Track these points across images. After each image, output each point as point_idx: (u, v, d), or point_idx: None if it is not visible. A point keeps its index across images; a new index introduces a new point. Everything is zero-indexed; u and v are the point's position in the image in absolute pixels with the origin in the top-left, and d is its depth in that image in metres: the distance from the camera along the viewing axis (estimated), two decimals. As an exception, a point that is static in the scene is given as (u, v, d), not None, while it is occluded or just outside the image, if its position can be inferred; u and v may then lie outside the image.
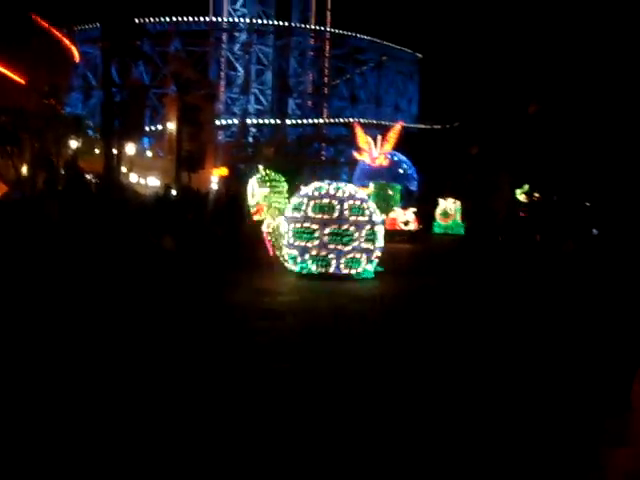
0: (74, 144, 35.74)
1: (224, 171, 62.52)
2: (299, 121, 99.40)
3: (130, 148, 36.23)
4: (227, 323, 11.06)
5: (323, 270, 17.54)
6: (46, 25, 38.28)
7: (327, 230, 17.37)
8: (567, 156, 45.14)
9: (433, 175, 61.03)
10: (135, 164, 41.82)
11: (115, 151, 30.42)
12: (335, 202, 17.65)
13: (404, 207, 42.14)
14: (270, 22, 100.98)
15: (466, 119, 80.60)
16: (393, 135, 42.40)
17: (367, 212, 18.07)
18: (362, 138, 42.79)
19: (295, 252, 17.72)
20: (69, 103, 67.88)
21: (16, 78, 38.13)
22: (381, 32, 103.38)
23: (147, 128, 75.36)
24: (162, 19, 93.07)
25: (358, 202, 18.05)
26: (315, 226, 17.44)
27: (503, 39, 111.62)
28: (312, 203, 17.59)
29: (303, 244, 17.52)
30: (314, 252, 17.48)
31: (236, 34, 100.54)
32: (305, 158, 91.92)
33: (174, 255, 20.90)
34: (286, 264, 18.09)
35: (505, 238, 37.66)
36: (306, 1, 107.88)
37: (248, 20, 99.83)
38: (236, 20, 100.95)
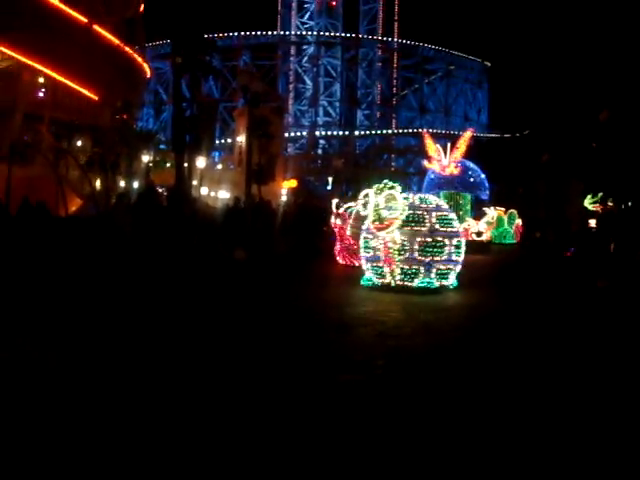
0: (146, 158, 36.29)
1: (293, 183, 62.79)
2: (368, 132, 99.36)
3: (201, 161, 36.54)
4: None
5: (441, 284, 17.23)
6: (118, 42, 39.02)
7: (454, 242, 17.23)
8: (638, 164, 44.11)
9: (504, 184, 60.35)
10: (206, 177, 42.24)
11: (186, 164, 30.67)
12: (451, 214, 17.75)
13: (475, 217, 41.56)
14: (338, 34, 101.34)
15: (536, 127, 79.59)
16: (463, 142, 41.71)
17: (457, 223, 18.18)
18: (431, 146, 42.21)
19: (418, 267, 17.15)
20: (141, 118, 69.30)
21: (90, 95, 38.97)
22: (449, 41, 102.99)
23: (217, 141, 76.34)
24: (231, 34, 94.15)
25: (453, 214, 18.17)
26: (445, 239, 17.18)
27: (573, 45, 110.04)
28: (435, 215, 17.23)
29: (430, 258, 17.11)
30: (441, 266, 17.22)
31: (304, 47, 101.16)
32: (374, 169, 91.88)
33: (245, 266, 20.99)
34: (375, 279, 17.60)
35: (578, 249, 36.91)
36: (373, 12, 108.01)
37: (316, 33, 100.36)
38: (304, 33, 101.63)
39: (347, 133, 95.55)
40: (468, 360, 9.84)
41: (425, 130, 49.56)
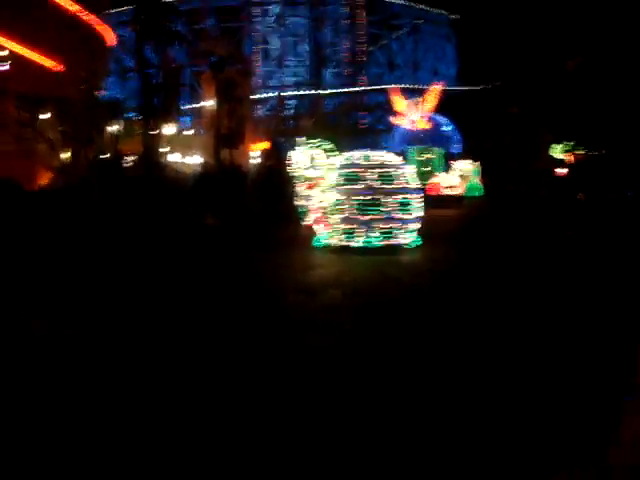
0: (114, 127, 36.04)
1: (266, 145, 62.52)
2: (337, 90, 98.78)
3: (170, 128, 36.37)
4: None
5: (387, 243, 16.99)
6: (79, 8, 38.45)
7: (396, 200, 16.83)
8: (608, 111, 44.38)
9: (474, 137, 60.47)
10: (176, 143, 42.04)
11: (155, 131, 30.53)
12: (392, 171, 17.28)
13: (447, 171, 41.56)
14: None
15: (505, 79, 79.52)
16: (432, 96, 41.61)
17: (412, 180, 17.93)
18: (400, 102, 42.16)
19: (355, 226, 16.88)
20: (107, 87, 68.44)
21: (54, 66, 38.47)
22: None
23: (187, 106, 75.62)
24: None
25: (408, 170, 18.01)
26: (381, 197, 16.86)
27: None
28: (372, 172, 17.02)
29: (369, 217, 16.82)
30: (381, 224, 16.87)
31: (269, 7, 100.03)
32: (344, 127, 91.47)
33: (217, 231, 21.06)
34: (325, 240, 17.52)
35: (547, 197, 37.18)
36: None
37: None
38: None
39: (316, 92, 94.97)
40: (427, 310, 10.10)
41: (393, 86, 49.32)
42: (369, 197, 16.70)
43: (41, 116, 35.48)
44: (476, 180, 45.50)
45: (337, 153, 17.58)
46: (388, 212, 16.73)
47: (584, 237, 20.84)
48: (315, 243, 17.59)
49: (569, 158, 51.97)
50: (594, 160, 48.84)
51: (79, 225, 18.33)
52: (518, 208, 35.30)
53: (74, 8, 38.37)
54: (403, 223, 17.07)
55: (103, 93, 47.63)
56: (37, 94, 38.77)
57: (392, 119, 45.11)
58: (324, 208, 17.07)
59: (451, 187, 38.44)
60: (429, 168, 40.83)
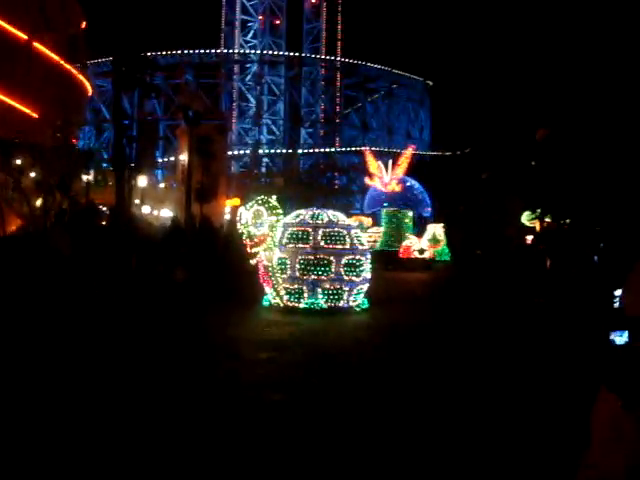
0: (86, 177, 35.97)
1: (237, 201, 62.68)
2: (311, 150, 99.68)
3: (142, 180, 36.40)
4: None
5: (333, 304, 16.35)
6: (58, 59, 38.61)
7: (343, 261, 16.29)
8: (577, 180, 45.05)
9: (446, 201, 61.00)
10: (148, 196, 42.02)
11: (128, 183, 30.49)
12: (343, 231, 16.69)
13: (417, 234, 41.74)
14: (281, 53, 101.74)
15: (477, 145, 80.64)
16: (404, 160, 42.12)
17: (364, 240, 17.64)
18: (373, 164, 42.62)
19: (300, 286, 16.31)
20: (83, 137, 68.50)
21: (30, 113, 38.47)
22: (391, 60, 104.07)
23: (160, 160, 75.91)
24: (174, 52, 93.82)
25: (357, 230, 17.58)
26: (330, 257, 16.30)
27: (511, 66, 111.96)
28: (320, 232, 16.47)
29: (314, 277, 16.22)
30: (327, 285, 16.27)
31: (247, 65, 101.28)
32: (318, 187, 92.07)
33: (184, 287, 20.89)
34: (272, 300, 16.94)
35: (517, 264, 37.39)
36: (316, 31, 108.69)
37: (259, 51, 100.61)
38: (247, 51, 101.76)
39: (290, 151, 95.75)
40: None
41: (367, 148, 49.91)
42: (312, 257, 16.16)
43: (15, 161, 35.35)
44: (445, 244, 45.74)
45: (280, 211, 17.09)
46: (334, 273, 16.22)
47: (552, 304, 20.89)
48: (263, 302, 17.16)
49: (536, 226, 52.48)
50: (561, 228, 49.36)
51: (43, 274, 18.08)
52: (486, 273, 35.45)
53: (54, 57, 38.53)
54: (351, 285, 16.50)
55: (77, 142, 47.67)
56: (10, 139, 38.69)
57: (366, 180, 45.49)
58: (268, 267, 16.66)
59: (421, 250, 38.76)
60: (400, 230, 41.01)
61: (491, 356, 11.62)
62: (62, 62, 38.90)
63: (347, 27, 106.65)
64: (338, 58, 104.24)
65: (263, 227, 16.48)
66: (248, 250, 16.80)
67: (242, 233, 16.73)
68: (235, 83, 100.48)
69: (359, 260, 16.66)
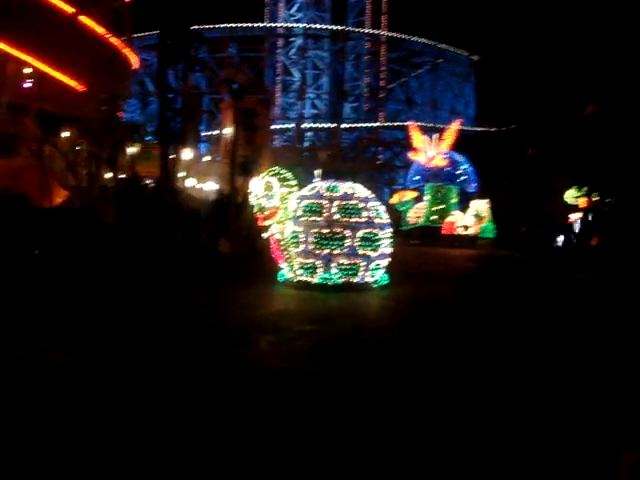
0: (132, 150, 36.20)
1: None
2: (355, 125, 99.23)
3: (187, 153, 36.48)
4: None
5: (348, 280, 15.98)
6: (104, 32, 38.85)
7: (358, 235, 15.81)
8: (626, 157, 44.21)
9: (491, 177, 60.30)
10: (192, 169, 42.15)
11: (172, 156, 30.60)
12: (360, 203, 16.21)
13: (462, 210, 41.24)
14: (325, 26, 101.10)
15: (523, 121, 79.55)
16: (450, 134, 41.35)
17: (383, 214, 16.86)
18: (418, 138, 41.90)
19: (314, 261, 15.93)
20: (128, 109, 68.93)
21: (76, 86, 38.81)
22: (436, 34, 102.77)
23: (204, 133, 76.10)
24: (219, 26, 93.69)
25: (375, 203, 16.77)
26: (344, 231, 15.80)
27: (560, 39, 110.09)
28: (336, 205, 16.01)
29: (327, 251, 15.80)
30: (341, 260, 15.83)
31: (292, 39, 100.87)
32: (361, 162, 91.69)
33: (229, 258, 20.97)
34: (288, 275, 16.58)
35: (563, 243, 36.96)
36: (361, 5, 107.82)
37: (303, 25, 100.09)
38: (291, 25, 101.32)
39: (334, 126, 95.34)
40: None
41: (412, 122, 49.24)
42: (327, 230, 15.70)
43: (62, 134, 35.74)
44: (490, 221, 44.94)
45: (294, 183, 16.51)
46: (349, 247, 15.74)
47: (598, 281, 20.60)
48: (279, 278, 16.81)
49: (583, 203, 51.62)
50: (609, 206, 48.62)
51: (88, 245, 18.29)
52: (530, 250, 35.09)
53: (100, 30, 38.79)
54: (367, 260, 16.01)
55: (122, 115, 48.01)
56: (58, 112, 39.09)
57: (409, 154, 44.89)
58: (280, 240, 16.26)
59: (465, 226, 38.34)
60: (444, 206, 40.57)
61: (530, 335, 11.44)
62: (108, 36, 39.20)
63: (392, 0, 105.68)
64: (383, 32, 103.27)
65: (274, 199, 16.01)
66: (259, 223, 16.47)
67: (254, 206, 16.33)
68: (279, 57, 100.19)
69: (376, 234, 16.18)
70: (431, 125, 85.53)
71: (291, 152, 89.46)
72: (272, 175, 16.11)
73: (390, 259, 16.95)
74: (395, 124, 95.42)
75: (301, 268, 16.07)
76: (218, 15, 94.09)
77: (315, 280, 15.94)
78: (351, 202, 16.12)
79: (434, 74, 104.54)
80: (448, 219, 39.00)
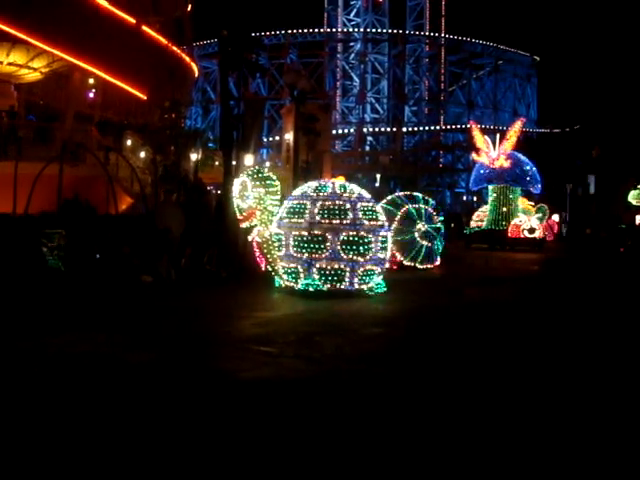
0: (194, 156, 36.53)
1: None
2: (415, 128, 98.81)
3: (248, 159, 36.65)
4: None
5: (334, 286, 15.02)
6: (166, 42, 39.27)
7: (341, 238, 14.78)
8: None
9: (554, 179, 59.47)
10: (254, 175, 42.32)
11: (234, 162, 30.74)
12: (346, 204, 15.09)
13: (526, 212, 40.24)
14: (384, 30, 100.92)
15: (587, 121, 78.39)
16: (513, 133, 40.25)
17: (380, 216, 15.72)
18: (479, 138, 40.88)
19: (296, 266, 15.16)
20: (189, 117, 69.78)
21: (139, 95, 39.31)
22: (497, 36, 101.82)
23: (265, 139, 76.54)
24: (278, 32, 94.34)
25: (369, 204, 15.63)
26: (325, 233, 14.83)
27: (624, 36, 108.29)
28: (318, 205, 15.06)
29: (309, 255, 14.89)
30: (323, 264, 14.88)
31: (351, 44, 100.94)
32: (422, 166, 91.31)
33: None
34: (281, 281, 15.83)
35: (631, 244, 36.20)
36: (420, 8, 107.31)
37: (362, 29, 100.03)
38: (350, 30, 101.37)
39: (395, 129, 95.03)
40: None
41: (473, 122, 48.47)
42: (358, 234, 14.87)
43: (126, 142, 36.27)
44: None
45: (273, 183, 15.53)
46: (330, 251, 14.77)
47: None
48: (276, 283, 16.04)
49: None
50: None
51: (153, 251, 18.39)
52: (597, 255, 34.33)
53: (162, 40, 39.22)
54: (352, 265, 15.01)
55: (185, 123, 48.55)
56: (121, 121, 39.67)
57: (472, 155, 44.14)
58: (260, 243, 15.58)
59: (531, 229, 37.33)
60: (508, 208, 39.75)
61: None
62: (169, 45, 39.61)
63: (451, 3, 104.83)
64: (442, 34, 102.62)
65: (249, 200, 15.33)
66: (240, 225, 15.94)
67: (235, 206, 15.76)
68: (339, 62, 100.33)
69: (363, 237, 15.04)
70: (493, 127, 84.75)
71: (352, 157, 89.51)
72: (248, 175, 15.47)
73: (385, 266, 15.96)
74: (456, 127, 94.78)
75: (285, 273, 15.41)
76: (277, 22, 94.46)
77: (298, 286, 15.17)
78: (336, 202, 15.12)
79: (495, 76, 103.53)
80: (514, 222, 38.14)
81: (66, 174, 24.08)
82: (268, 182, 15.59)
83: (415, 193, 24.50)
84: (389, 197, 23.65)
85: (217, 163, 39.72)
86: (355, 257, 14.93)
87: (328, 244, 14.74)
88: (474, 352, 9.86)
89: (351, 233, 14.88)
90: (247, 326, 11.84)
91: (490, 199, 41.13)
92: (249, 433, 6.03)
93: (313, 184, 15.99)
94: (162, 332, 10.87)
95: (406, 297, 16.26)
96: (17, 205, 22.68)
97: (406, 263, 22.50)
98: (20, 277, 16.02)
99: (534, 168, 40.64)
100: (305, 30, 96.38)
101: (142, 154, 36.40)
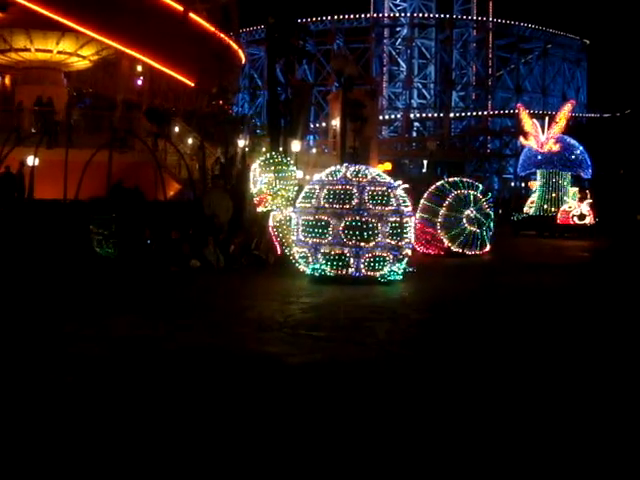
0: (241, 142, 36.65)
1: (388, 166, 62.39)
2: (463, 114, 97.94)
3: (296, 145, 36.66)
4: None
5: (340, 272, 14.88)
6: (213, 29, 39.40)
7: (343, 223, 14.59)
8: None
9: (604, 165, 58.46)
10: (301, 160, 42.35)
11: (281, 148, 30.80)
12: (353, 189, 14.86)
13: (580, 199, 39.04)
14: (431, 15, 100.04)
15: (638, 105, 76.87)
16: (563, 116, 39.24)
17: (393, 201, 15.08)
18: (527, 122, 39.91)
19: (306, 250, 15.16)
20: (236, 103, 70.05)
21: (186, 82, 39.57)
22: (545, 19, 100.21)
23: (312, 125, 76.49)
24: (324, 18, 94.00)
25: (382, 188, 15.13)
26: (329, 218, 14.74)
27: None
28: (325, 190, 14.97)
29: (314, 240, 14.90)
30: (327, 250, 14.81)
31: (397, 29, 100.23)
32: (470, 151, 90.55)
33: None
34: (297, 265, 15.84)
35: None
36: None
37: (409, 14, 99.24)
38: (397, 15, 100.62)
39: (442, 115, 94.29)
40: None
41: (520, 105, 47.49)
42: (312, 217, 14.74)
43: (174, 129, 36.50)
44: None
45: (285, 168, 15.86)
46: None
47: None
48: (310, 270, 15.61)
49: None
50: None
51: (202, 235, 18.51)
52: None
53: (209, 27, 39.38)
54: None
55: (232, 109, 48.74)
56: (169, 108, 39.96)
57: (520, 139, 43.19)
58: (275, 227, 15.89)
59: (581, 216, 36.48)
60: (558, 194, 38.96)
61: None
62: (216, 32, 39.75)
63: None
64: (490, 18, 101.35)
65: (260, 185, 15.64)
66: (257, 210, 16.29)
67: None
68: (385, 47, 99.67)
69: (368, 222, 14.71)
70: (542, 112, 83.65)
71: (399, 142, 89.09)
72: (260, 161, 15.77)
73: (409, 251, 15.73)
74: (504, 112, 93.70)
75: (300, 257, 15.45)
76: (324, 8, 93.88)
77: (307, 270, 15.25)
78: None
79: (544, 60, 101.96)
80: (563, 207, 37.35)
81: (115, 161, 24.31)
82: (279, 167, 15.78)
83: (464, 179, 24.31)
84: (437, 183, 23.51)
85: (265, 149, 39.82)
86: (356, 243, 14.68)
87: (330, 229, 14.67)
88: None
89: (355, 218, 14.66)
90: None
91: (538, 184, 40.41)
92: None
93: (328, 170, 15.87)
94: (210, 317, 10.99)
95: (428, 284, 16.17)
96: (68, 192, 22.94)
97: (454, 249, 22.38)
98: (71, 261, 16.25)
99: (585, 152, 39.59)
100: (351, 16, 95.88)
101: (190, 141, 36.56)
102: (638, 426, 6.03)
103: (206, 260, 17.65)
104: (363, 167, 15.81)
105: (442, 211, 21.75)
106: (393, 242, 14.96)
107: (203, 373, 7.50)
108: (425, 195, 23.27)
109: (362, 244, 14.66)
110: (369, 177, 15.22)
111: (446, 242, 22.14)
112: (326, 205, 14.78)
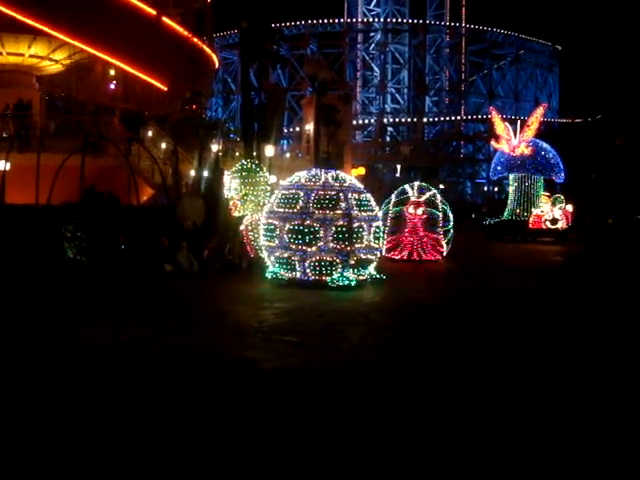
0: (215, 147, 36.55)
1: (362, 171, 62.49)
2: (436, 119, 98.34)
3: (269, 150, 36.62)
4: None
5: (290, 275, 15.09)
6: (186, 33, 39.29)
7: (287, 227, 14.67)
8: None
9: (576, 169, 58.86)
10: (274, 165, 42.33)
11: (255, 153, 30.78)
12: (300, 193, 14.86)
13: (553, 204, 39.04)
14: (404, 20, 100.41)
15: (610, 111, 77.56)
16: (535, 119, 39.39)
17: (342, 205, 14.76)
18: (500, 125, 39.99)
19: (265, 253, 15.56)
20: (210, 108, 69.91)
21: (160, 86, 39.40)
22: (518, 25, 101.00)
23: (286, 130, 76.47)
24: (298, 23, 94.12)
25: (331, 192, 14.87)
26: (277, 222, 14.91)
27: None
28: (280, 195, 15.18)
29: (268, 244, 15.20)
30: (278, 253, 15.04)
31: (371, 34, 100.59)
32: (443, 156, 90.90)
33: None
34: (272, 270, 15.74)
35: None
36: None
37: (382, 20, 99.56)
38: (370, 20, 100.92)
39: (415, 120, 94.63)
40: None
41: (492, 108, 47.63)
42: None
43: (147, 133, 36.34)
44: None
45: (262, 174, 16.31)
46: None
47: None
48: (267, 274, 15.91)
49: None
50: None
51: (175, 241, 18.44)
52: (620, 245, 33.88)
53: (182, 31, 39.26)
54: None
55: (205, 113, 48.61)
56: (142, 112, 39.79)
57: (492, 143, 43.20)
58: (247, 232, 16.31)
59: (554, 220, 36.57)
60: (529, 198, 39.07)
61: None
62: (190, 36, 39.65)
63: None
64: (463, 24, 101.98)
65: (230, 191, 16.11)
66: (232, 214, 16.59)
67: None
68: (359, 52, 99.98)
69: (356, 227, 14.81)
70: (514, 117, 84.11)
71: (372, 147, 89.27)
72: (232, 171, 16.22)
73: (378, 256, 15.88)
74: (477, 117, 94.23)
75: (280, 264, 15.33)
76: (297, 12, 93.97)
77: (288, 275, 15.25)
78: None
79: (516, 65, 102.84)
80: (535, 212, 37.41)
81: (88, 165, 24.18)
82: (248, 174, 16.29)
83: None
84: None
85: (238, 154, 39.72)
86: (300, 247, 14.72)
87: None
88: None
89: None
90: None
91: (511, 188, 40.51)
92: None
93: (302, 174, 15.72)
94: (188, 323, 10.99)
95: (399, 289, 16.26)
96: (40, 197, 22.78)
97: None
98: (43, 267, 16.12)
99: (557, 156, 39.68)
100: (325, 20, 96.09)
101: (163, 145, 36.45)
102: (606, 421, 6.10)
103: (178, 265, 17.61)
104: (322, 172, 15.55)
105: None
106: (339, 246, 14.74)
107: (183, 380, 7.52)
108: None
109: (305, 248, 14.68)
110: (321, 182, 15.11)
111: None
112: (276, 209, 15.04)
